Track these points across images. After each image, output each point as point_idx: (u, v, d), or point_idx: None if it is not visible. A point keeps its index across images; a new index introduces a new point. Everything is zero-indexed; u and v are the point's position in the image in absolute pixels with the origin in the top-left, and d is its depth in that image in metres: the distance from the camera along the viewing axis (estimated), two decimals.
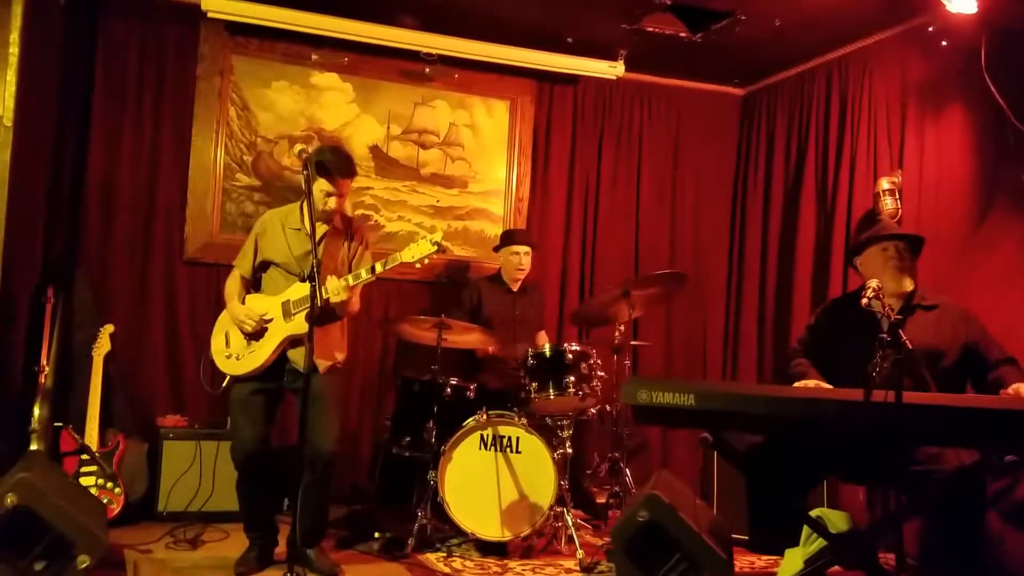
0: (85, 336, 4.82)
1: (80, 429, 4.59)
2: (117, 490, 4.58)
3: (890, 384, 2.67)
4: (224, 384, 3.99)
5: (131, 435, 4.81)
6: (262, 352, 3.89)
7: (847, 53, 5.45)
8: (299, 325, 3.74)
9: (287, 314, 3.85)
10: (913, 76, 4.99)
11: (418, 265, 3.79)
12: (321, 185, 3.84)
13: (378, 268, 3.78)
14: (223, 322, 4.06)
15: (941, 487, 3.18)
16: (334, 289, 3.73)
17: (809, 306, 5.51)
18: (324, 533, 4.12)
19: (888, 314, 2.97)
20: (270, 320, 3.89)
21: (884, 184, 4.98)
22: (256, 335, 3.92)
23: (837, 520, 3.46)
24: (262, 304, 3.95)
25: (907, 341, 2.79)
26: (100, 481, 4.55)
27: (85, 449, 4.55)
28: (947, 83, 4.78)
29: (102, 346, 4.74)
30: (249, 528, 4.05)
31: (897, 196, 4.93)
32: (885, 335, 2.80)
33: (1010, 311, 4.15)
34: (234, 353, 3.96)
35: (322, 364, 3.90)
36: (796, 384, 3.49)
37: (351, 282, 3.78)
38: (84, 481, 4.50)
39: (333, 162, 3.86)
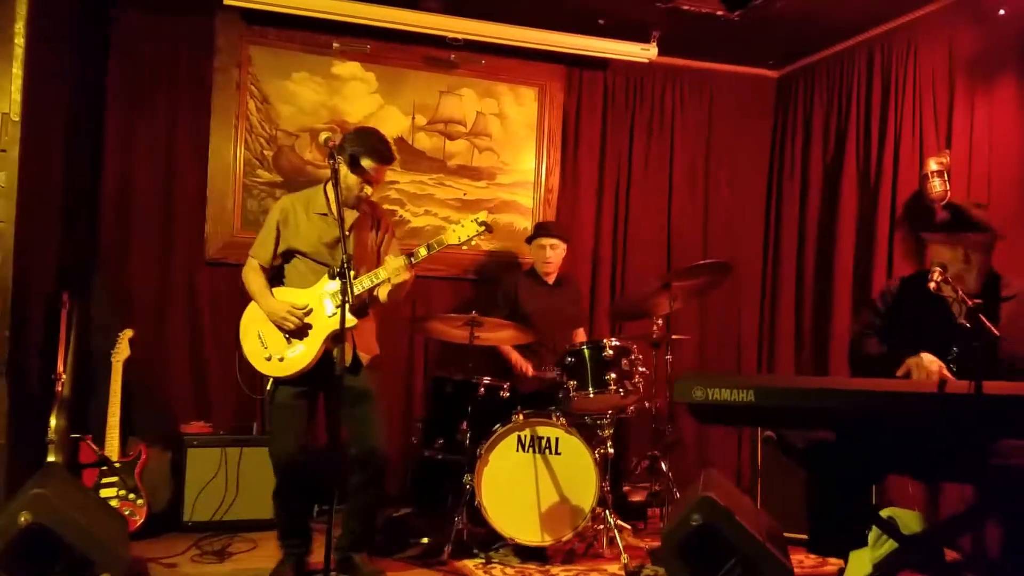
0: (104, 342, 4.66)
1: (100, 438, 4.43)
2: (139, 501, 4.42)
3: (972, 374, 2.45)
4: (268, 388, 3.82)
5: (153, 443, 4.64)
6: (308, 351, 3.69)
7: (891, 28, 5.21)
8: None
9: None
10: (963, 49, 4.76)
11: (465, 247, 3.85)
12: (360, 171, 3.66)
13: (422, 252, 3.68)
14: (251, 320, 3.80)
15: (1021, 484, 2.95)
16: (394, 269, 3.64)
17: (850, 297, 5.30)
18: (374, 538, 3.98)
19: (963, 299, 2.75)
20: (309, 313, 3.70)
21: (932, 165, 4.75)
22: (297, 332, 3.71)
23: (909, 520, 3.24)
24: (297, 298, 3.73)
25: (992, 328, 2.56)
26: (121, 492, 4.40)
27: (104, 460, 4.39)
28: (1000, 55, 4.56)
29: (122, 352, 4.57)
30: (286, 536, 3.87)
31: (946, 177, 4.70)
32: (964, 322, 2.58)
33: None
34: (274, 354, 3.72)
35: (365, 357, 3.78)
36: (906, 361, 3.17)
37: (408, 262, 3.65)
38: (104, 493, 4.36)
39: (375, 146, 3.69)
